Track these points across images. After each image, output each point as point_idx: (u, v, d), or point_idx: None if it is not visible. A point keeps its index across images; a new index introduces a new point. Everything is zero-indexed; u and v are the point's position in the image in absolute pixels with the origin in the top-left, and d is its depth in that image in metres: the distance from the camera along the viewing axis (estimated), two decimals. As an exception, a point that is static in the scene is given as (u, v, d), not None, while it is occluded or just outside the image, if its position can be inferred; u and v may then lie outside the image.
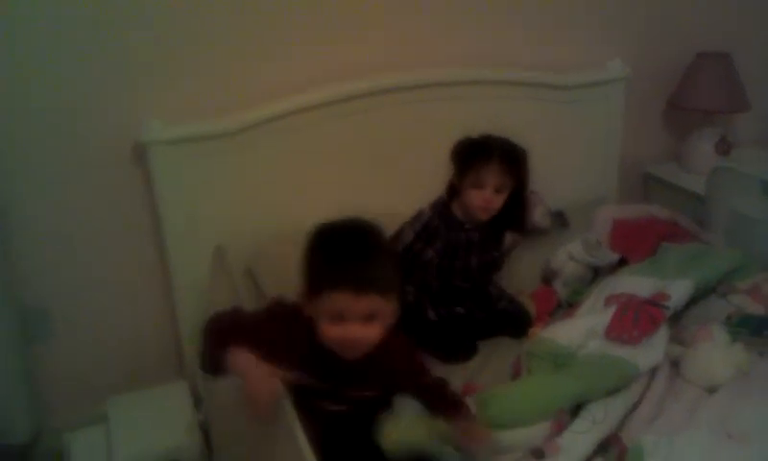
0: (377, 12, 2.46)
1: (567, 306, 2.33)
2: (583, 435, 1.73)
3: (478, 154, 2.16)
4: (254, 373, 1.50)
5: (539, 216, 2.56)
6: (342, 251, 1.51)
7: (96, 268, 2.32)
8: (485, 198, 2.14)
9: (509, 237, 2.37)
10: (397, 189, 2.41)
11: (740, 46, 3.07)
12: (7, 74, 2.07)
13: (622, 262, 2.43)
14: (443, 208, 2.23)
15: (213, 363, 1.57)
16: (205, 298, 2.26)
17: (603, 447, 1.73)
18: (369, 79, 2.44)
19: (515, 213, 2.28)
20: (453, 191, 2.25)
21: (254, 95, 2.31)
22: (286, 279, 2.21)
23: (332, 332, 1.50)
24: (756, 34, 3.21)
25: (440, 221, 2.19)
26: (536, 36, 2.74)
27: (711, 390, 1.89)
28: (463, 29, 2.61)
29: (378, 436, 1.60)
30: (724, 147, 3.07)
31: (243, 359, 1.51)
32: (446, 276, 2.19)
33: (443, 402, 1.75)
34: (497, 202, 2.16)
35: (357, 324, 1.48)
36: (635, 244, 2.51)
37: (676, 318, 2.15)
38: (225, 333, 1.57)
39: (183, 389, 2.34)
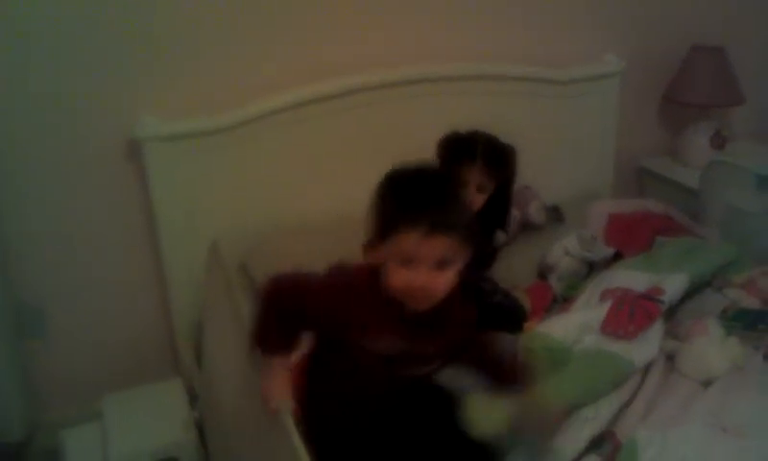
0: (377, 9, 2.46)
1: (563, 301, 2.33)
2: (575, 434, 1.73)
3: (462, 152, 2.15)
4: (271, 380, 1.52)
5: (534, 211, 2.56)
6: (416, 192, 1.43)
7: (91, 265, 2.32)
8: (466, 196, 2.14)
9: (501, 235, 2.37)
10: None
11: (735, 40, 3.07)
12: (5, 74, 2.07)
13: (617, 256, 2.42)
14: None
15: (266, 343, 1.55)
16: (200, 294, 2.27)
17: (596, 443, 1.72)
18: (369, 73, 2.43)
19: (498, 212, 2.27)
20: None
21: (252, 93, 2.31)
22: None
23: (400, 278, 1.42)
24: (751, 27, 3.21)
25: None
26: (531, 31, 2.74)
27: (706, 384, 1.89)
28: (460, 25, 2.60)
29: (469, 414, 1.55)
30: (719, 141, 3.07)
31: (270, 366, 1.53)
32: None
33: (505, 379, 1.66)
34: (478, 201, 2.16)
35: (426, 270, 1.41)
36: (629, 238, 2.51)
37: (671, 312, 2.15)
38: (284, 313, 1.53)
39: (179, 386, 2.34)
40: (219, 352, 2.02)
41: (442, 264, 1.42)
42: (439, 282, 1.43)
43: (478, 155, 2.13)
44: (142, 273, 2.39)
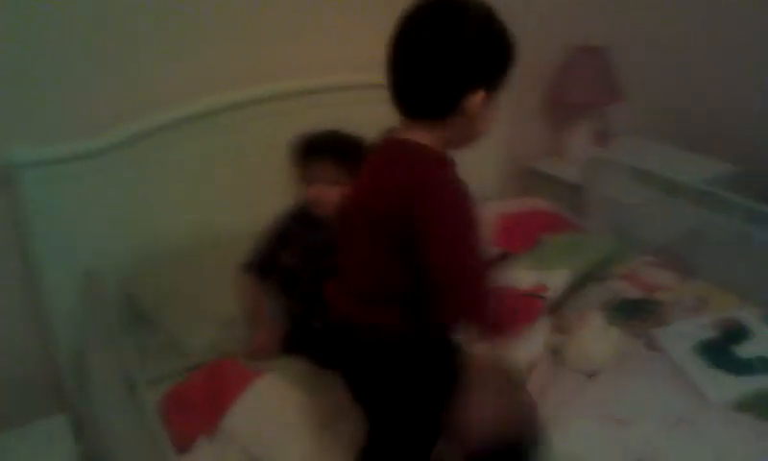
0: (261, 24, 2.44)
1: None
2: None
3: (307, 148, 2.16)
4: None
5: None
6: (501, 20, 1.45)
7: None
8: (316, 193, 2.13)
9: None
10: (284, 202, 2.36)
11: (614, 39, 3.15)
12: None
13: (505, 256, 2.45)
14: (298, 211, 2.22)
15: None
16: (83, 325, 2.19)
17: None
18: (253, 87, 2.40)
19: None
20: None
21: (130, 112, 2.23)
22: (167, 300, 2.18)
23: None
24: (629, 26, 3.31)
25: (292, 224, 2.18)
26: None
27: (592, 375, 1.93)
28: (348, 35, 2.60)
29: None
30: (602, 138, 3.16)
31: None
32: (317, 279, 2.17)
33: None
34: (331, 195, 2.12)
35: None
36: (516, 238, 2.54)
37: (556, 307, 2.19)
38: None
39: (64, 422, 2.25)
40: (101, 387, 1.97)
41: None
42: None
43: (320, 150, 2.14)
44: (18, 306, 2.28)
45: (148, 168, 2.28)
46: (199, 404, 1.92)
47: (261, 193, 2.40)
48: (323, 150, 2.14)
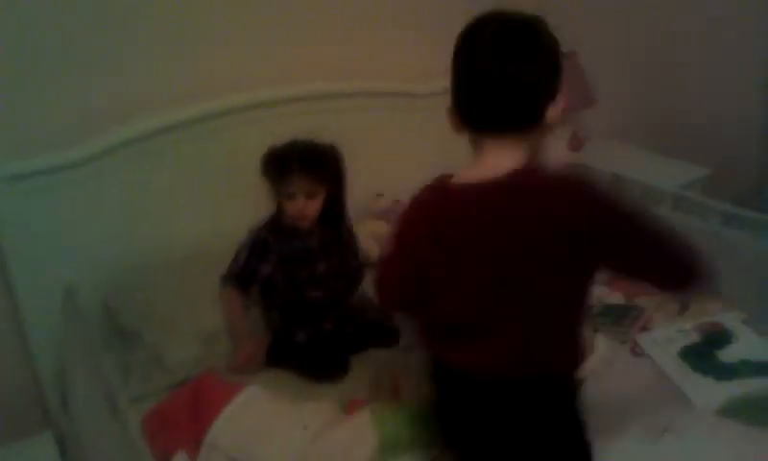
0: (253, 24, 2.44)
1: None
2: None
3: (280, 166, 2.13)
4: None
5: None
6: None
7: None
8: (297, 207, 2.11)
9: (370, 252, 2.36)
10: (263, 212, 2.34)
11: (584, 44, 3.17)
12: None
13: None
14: (272, 222, 2.19)
15: None
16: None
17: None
18: (233, 96, 2.39)
19: (330, 215, 2.21)
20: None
21: (104, 123, 2.20)
22: (149, 314, 2.15)
23: None
24: (599, 31, 3.33)
25: (269, 234, 2.16)
26: (382, 44, 2.74)
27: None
28: (327, 42, 2.60)
29: None
30: (576, 143, 3.17)
31: None
32: (297, 289, 2.15)
33: None
34: (311, 208, 2.13)
35: None
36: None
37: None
38: None
39: (49, 439, 2.21)
40: (83, 403, 1.93)
41: None
42: None
43: (294, 164, 2.11)
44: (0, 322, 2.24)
45: (128, 180, 2.26)
46: (182, 420, 1.89)
47: (248, 203, 2.36)
48: (298, 164, 2.11)
